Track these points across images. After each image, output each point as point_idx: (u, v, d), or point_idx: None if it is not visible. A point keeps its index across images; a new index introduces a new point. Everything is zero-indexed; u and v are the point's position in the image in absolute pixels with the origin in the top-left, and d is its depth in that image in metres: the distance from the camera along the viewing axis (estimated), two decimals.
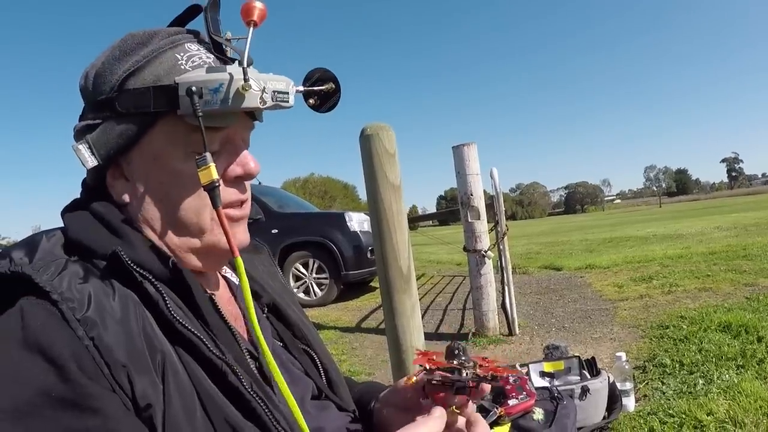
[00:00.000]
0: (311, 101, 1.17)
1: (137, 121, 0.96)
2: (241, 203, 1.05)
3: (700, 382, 4.03)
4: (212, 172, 0.91)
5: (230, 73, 0.93)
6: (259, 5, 0.97)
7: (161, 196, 0.99)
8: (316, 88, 1.16)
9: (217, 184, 0.91)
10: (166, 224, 1.00)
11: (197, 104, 0.91)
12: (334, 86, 1.17)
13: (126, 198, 1.01)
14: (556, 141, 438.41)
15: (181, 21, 1.07)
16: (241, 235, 1.05)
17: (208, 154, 0.91)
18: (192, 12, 1.06)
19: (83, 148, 0.97)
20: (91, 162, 0.97)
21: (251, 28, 0.97)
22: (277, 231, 10.19)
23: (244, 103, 0.93)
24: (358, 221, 10.33)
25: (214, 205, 0.92)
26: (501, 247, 6.65)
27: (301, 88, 1.12)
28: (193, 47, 1.00)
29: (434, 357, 0.99)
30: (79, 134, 1.00)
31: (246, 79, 0.92)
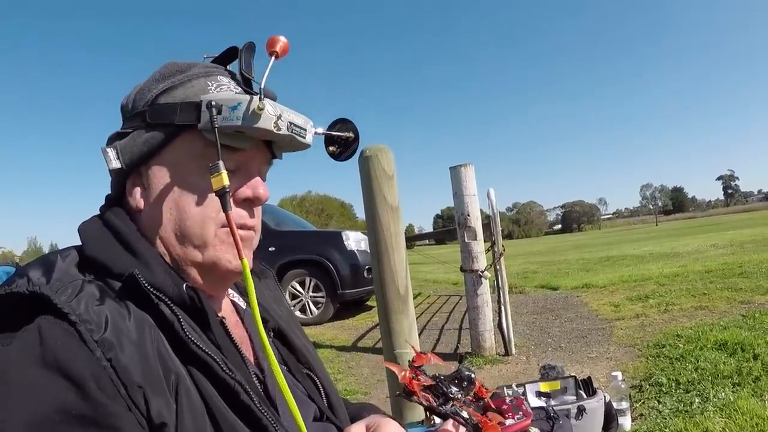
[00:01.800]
0: (332, 149, 1.24)
1: (162, 132, 1.03)
2: (248, 228, 1.09)
3: (697, 400, 4.04)
4: (224, 178, 0.96)
5: (251, 95, 1.00)
6: (283, 39, 1.05)
7: (171, 205, 1.03)
8: (335, 132, 1.23)
9: (228, 190, 0.96)
10: (172, 233, 1.03)
11: (215, 118, 0.97)
12: (353, 135, 1.24)
13: (140, 204, 1.06)
14: (552, 161, 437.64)
15: (220, 61, 1.14)
16: (246, 258, 1.07)
17: (220, 162, 0.97)
18: (230, 54, 1.13)
19: (110, 152, 1.05)
20: (115, 164, 1.04)
21: (272, 58, 1.04)
22: (274, 249, 10.20)
23: (258, 122, 0.99)
24: (355, 240, 10.34)
25: (224, 209, 0.96)
26: (497, 267, 6.66)
27: (321, 131, 1.19)
28: (225, 80, 1.08)
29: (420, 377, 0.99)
30: (110, 140, 1.09)
31: (261, 99, 0.98)
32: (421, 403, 0.94)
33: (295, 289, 10.22)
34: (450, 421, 0.95)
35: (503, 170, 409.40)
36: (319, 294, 10.16)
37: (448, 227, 8.93)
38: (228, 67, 1.13)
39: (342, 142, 1.23)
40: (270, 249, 10.16)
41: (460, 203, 6.42)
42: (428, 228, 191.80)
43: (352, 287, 10.05)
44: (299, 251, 10.32)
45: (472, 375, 0.94)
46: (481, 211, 6.79)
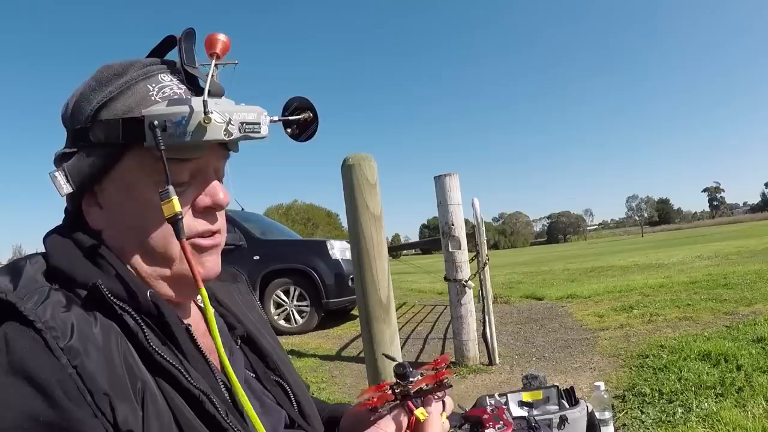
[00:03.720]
0: (290, 130, 1.19)
1: (108, 151, 0.98)
2: (212, 234, 1.06)
3: (679, 410, 4.04)
4: (174, 205, 0.93)
5: (191, 106, 0.95)
6: (222, 38, 1.00)
7: (132, 224, 1.01)
8: (292, 117, 1.18)
9: (180, 217, 0.93)
10: (137, 252, 1.01)
11: (159, 138, 0.93)
12: (311, 115, 1.20)
13: (100, 225, 1.03)
14: (539, 171, 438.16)
15: (158, 52, 1.09)
16: (212, 264, 1.06)
17: (170, 188, 0.93)
18: (168, 43, 1.08)
19: (59, 176, 0.99)
20: (66, 189, 0.99)
21: (213, 60, 0.99)
22: (259, 258, 10.17)
23: (206, 135, 0.95)
24: (340, 249, 10.33)
25: (178, 237, 0.93)
26: (482, 276, 6.67)
27: (276, 118, 1.13)
28: (167, 78, 1.03)
29: (374, 395, 1.03)
30: (57, 162, 1.03)
31: (206, 112, 0.93)
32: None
33: (280, 298, 10.22)
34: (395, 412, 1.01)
35: (490, 180, 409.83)
36: (304, 303, 10.14)
37: (434, 237, 8.92)
38: (169, 57, 1.09)
39: (300, 123, 1.19)
40: (255, 258, 10.12)
41: (445, 212, 6.43)
42: (415, 238, 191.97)
43: (337, 296, 10.04)
44: (284, 260, 10.31)
45: (407, 370, 1.00)
46: (466, 220, 6.80)
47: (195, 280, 0.94)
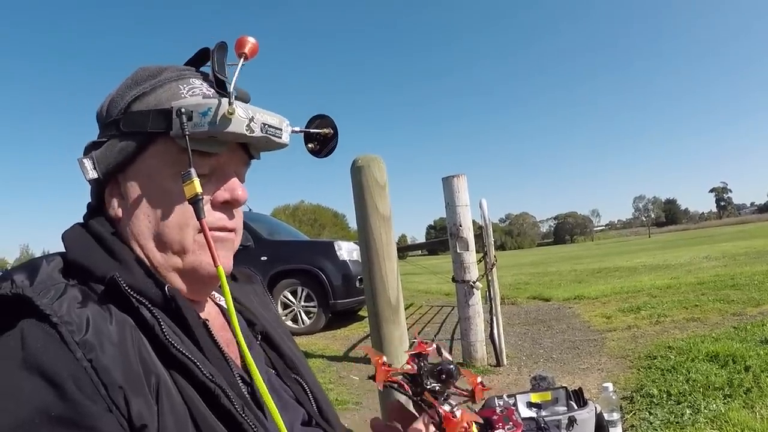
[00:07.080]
0: (311, 146, 1.24)
1: (135, 140, 1.02)
2: (228, 230, 1.08)
3: (688, 412, 4.04)
4: (196, 185, 0.95)
5: (219, 100, 0.99)
6: (251, 40, 1.05)
7: (149, 212, 1.03)
8: (313, 130, 1.22)
9: (200, 198, 0.96)
10: (152, 240, 1.03)
11: (185, 125, 0.97)
12: (332, 131, 1.23)
13: (119, 213, 1.05)
14: (545, 172, 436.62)
15: (192, 63, 1.14)
16: (223, 258, 1.06)
17: (192, 170, 0.96)
18: (202, 55, 1.13)
19: (87, 162, 1.04)
20: (92, 174, 1.04)
21: (241, 60, 1.04)
22: (266, 258, 10.21)
23: (229, 127, 0.98)
24: (347, 250, 10.34)
25: (198, 217, 0.96)
26: (489, 278, 6.67)
27: (298, 129, 1.18)
28: (197, 82, 1.07)
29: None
30: (87, 150, 1.08)
31: (230, 103, 0.98)
32: (396, 389, 0.91)
33: (287, 299, 10.23)
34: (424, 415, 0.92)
35: (496, 181, 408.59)
36: (311, 304, 10.15)
37: (441, 237, 8.90)
38: (202, 69, 1.13)
39: (320, 139, 1.23)
40: (262, 258, 10.16)
41: (453, 214, 6.44)
42: (421, 238, 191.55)
43: (344, 297, 10.05)
44: (291, 261, 10.34)
45: (453, 369, 0.92)
46: (474, 221, 6.80)
47: (213, 257, 0.95)
